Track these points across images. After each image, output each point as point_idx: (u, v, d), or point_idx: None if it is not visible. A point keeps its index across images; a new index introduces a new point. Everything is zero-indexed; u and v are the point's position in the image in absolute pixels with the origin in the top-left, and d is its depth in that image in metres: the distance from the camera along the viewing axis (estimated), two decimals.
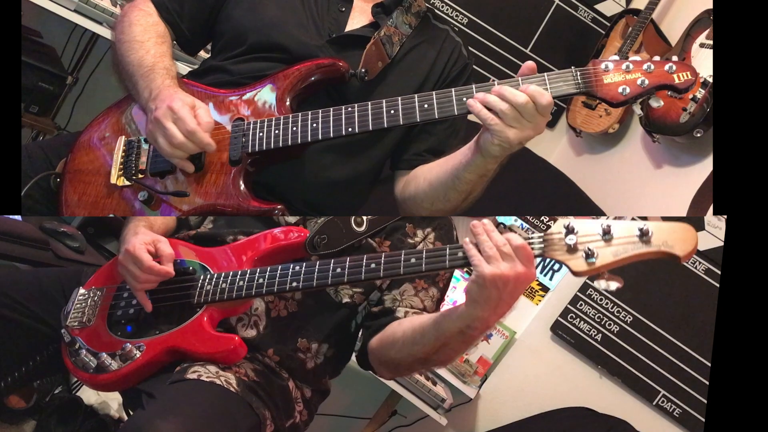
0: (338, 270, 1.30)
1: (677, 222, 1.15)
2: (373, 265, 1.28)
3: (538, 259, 1.21)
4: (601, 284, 1.21)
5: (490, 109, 1.28)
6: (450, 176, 1.44)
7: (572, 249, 1.18)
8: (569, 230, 1.19)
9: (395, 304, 1.47)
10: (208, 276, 1.41)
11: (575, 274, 1.18)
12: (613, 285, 1.21)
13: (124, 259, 1.41)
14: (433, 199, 1.50)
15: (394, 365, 1.42)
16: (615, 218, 1.19)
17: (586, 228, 1.18)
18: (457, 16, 3.25)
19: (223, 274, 1.40)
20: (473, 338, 1.28)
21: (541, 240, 1.20)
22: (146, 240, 1.41)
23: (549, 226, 3.01)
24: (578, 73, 1.30)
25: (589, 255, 1.16)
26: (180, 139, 1.36)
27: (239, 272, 1.38)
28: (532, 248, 1.20)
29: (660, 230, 1.15)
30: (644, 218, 1.22)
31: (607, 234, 1.16)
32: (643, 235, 1.14)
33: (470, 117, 1.35)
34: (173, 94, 1.40)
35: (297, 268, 1.34)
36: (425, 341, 1.32)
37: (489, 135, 1.30)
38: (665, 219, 1.18)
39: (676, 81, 1.27)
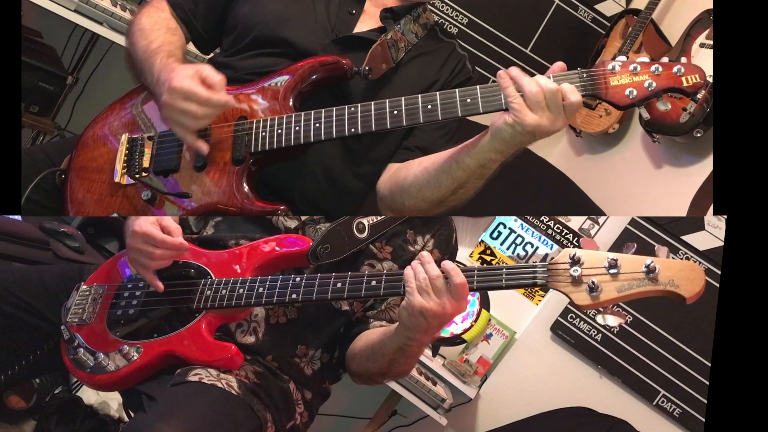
0: (338, 285, 1.31)
1: (685, 261, 1.13)
2: (374, 283, 1.29)
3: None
4: (601, 319, 1.19)
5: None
6: (448, 160, 1.41)
7: (576, 281, 1.16)
8: (574, 261, 1.17)
9: (374, 315, 1.51)
10: (209, 281, 1.41)
11: (578, 307, 1.17)
12: (615, 321, 1.17)
13: (134, 240, 1.39)
14: (422, 185, 1.46)
15: (358, 376, 1.50)
16: (625, 245, 1.16)
17: (592, 260, 1.16)
18: (457, 16, 3.24)
19: (223, 281, 1.40)
20: (414, 354, 1.37)
21: (545, 270, 1.19)
22: (151, 220, 1.40)
23: (549, 226, 3.02)
24: (585, 74, 1.27)
25: (592, 289, 1.14)
26: (199, 112, 1.33)
27: (240, 280, 1.38)
28: (536, 278, 1.19)
29: (667, 268, 1.12)
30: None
31: (613, 268, 1.14)
32: (650, 272, 1.13)
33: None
34: (170, 72, 1.37)
35: (298, 279, 1.34)
36: (375, 357, 1.40)
37: (506, 116, 1.27)
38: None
39: (684, 84, 1.25)
